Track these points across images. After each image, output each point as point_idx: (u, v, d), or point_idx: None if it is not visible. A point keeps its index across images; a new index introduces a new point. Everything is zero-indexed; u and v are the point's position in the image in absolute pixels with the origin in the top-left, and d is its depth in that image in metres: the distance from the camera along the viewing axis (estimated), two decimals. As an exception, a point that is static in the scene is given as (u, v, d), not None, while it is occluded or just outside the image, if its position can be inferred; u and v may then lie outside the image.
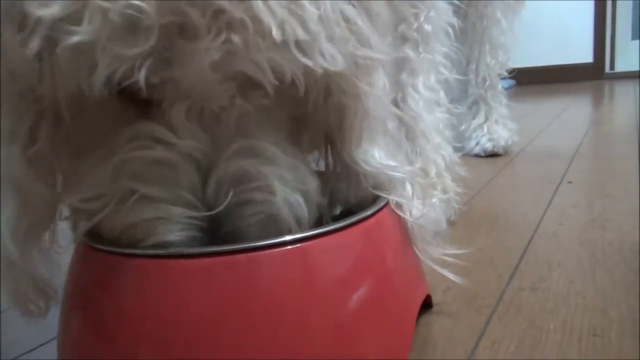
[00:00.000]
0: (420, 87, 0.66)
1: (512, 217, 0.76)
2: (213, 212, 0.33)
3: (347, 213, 0.40)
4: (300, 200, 0.35)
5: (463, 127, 1.23)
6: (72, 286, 0.37)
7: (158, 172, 0.33)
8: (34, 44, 0.28)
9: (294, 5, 0.29)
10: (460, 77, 1.11)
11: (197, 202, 0.33)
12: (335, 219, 0.39)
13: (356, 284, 0.35)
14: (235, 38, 0.28)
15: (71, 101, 0.33)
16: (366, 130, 0.39)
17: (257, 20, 0.28)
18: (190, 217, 0.33)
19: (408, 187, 0.44)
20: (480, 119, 1.22)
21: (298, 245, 0.33)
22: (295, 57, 0.30)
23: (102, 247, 0.34)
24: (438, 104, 0.70)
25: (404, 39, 0.65)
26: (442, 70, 0.71)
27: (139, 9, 0.26)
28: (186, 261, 0.32)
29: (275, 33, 0.28)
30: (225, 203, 0.32)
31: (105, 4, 0.26)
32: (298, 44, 0.30)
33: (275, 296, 0.32)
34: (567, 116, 1.78)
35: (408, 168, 0.43)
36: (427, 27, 0.66)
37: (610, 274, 0.54)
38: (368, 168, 0.40)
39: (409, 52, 0.65)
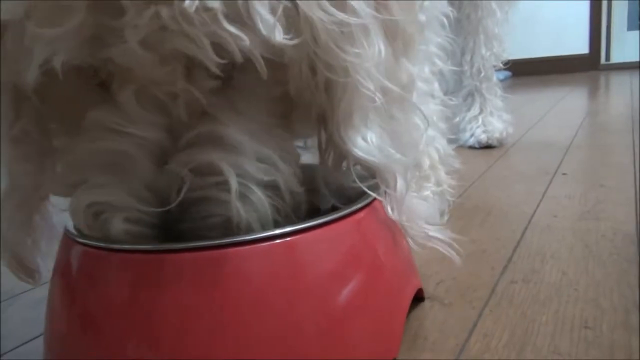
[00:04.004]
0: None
1: (506, 208, 0.76)
2: (164, 209, 0.31)
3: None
4: (260, 197, 0.33)
5: (457, 119, 1.22)
6: (58, 281, 0.37)
7: (110, 163, 0.32)
8: None
9: None
10: (455, 68, 1.11)
11: (150, 196, 0.31)
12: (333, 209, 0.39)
13: (346, 277, 0.35)
14: (164, 11, 0.26)
15: (36, 85, 0.31)
16: (357, 107, 0.35)
17: None
18: (139, 211, 0.31)
19: (400, 180, 0.39)
20: (474, 110, 1.22)
21: (286, 239, 0.33)
22: (230, 30, 0.27)
23: (88, 242, 0.34)
24: (432, 96, 0.69)
25: None
26: (437, 61, 0.70)
27: None
28: (173, 256, 0.32)
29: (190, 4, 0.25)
30: (178, 200, 0.31)
31: None
32: (229, 15, 0.27)
33: (263, 290, 0.32)
34: (562, 107, 1.78)
35: (402, 158, 0.38)
36: (421, 17, 0.65)
37: (603, 265, 0.54)
38: (358, 151, 0.36)
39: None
